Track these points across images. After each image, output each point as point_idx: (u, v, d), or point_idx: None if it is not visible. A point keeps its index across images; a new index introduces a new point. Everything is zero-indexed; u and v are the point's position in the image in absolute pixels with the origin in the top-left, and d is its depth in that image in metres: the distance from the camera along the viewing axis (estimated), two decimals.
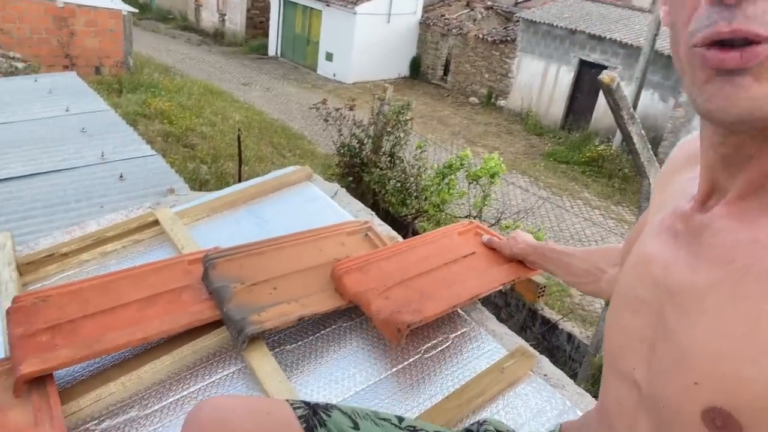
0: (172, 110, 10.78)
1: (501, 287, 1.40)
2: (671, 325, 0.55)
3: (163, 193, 3.14)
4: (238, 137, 6.31)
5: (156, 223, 1.68)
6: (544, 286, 5.39)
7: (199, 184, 8.05)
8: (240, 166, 6.54)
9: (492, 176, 5.69)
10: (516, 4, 18.75)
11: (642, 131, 3.62)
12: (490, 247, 1.50)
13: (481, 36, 15.56)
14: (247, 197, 1.84)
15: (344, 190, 1.95)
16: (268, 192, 1.88)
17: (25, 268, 1.49)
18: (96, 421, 1.12)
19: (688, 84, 0.51)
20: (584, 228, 9.26)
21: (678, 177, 0.69)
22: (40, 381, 1.10)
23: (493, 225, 6.27)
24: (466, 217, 6.45)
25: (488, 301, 5.42)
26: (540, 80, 14.23)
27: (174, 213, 1.71)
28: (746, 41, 0.45)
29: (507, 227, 6.01)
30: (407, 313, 1.21)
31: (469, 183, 6.07)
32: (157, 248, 1.63)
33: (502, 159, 6.16)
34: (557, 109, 13.97)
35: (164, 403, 1.17)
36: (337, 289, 1.33)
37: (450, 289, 1.33)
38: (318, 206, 1.83)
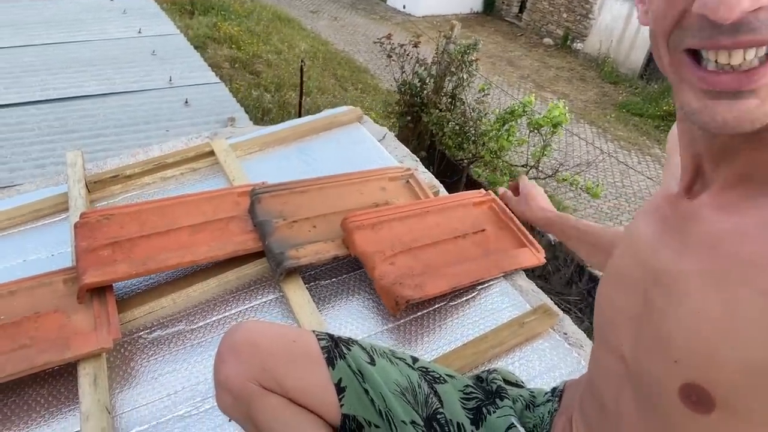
0: (240, 35, 10.86)
1: (502, 275, 1.41)
2: (656, 306, 0.57)
3: (223, 121, 3.26)
4: (301, 68, 6.33)
5: (212, 153, 1.78)
6: None
7: (261, 112, 8.22)
8: (301, 98, 6.60)
9: (555, 126, 5.51)
10: None
11: None
12: (502, 223, 1.49)
13: None
14: (297, 135, 1.90)
15: (392, 134, 1.97)
16: (318, 131, 1.93)
17: (93, 186, 1.63)
18: (148, 331, 1.26)
19: (675, 86, 0.51)
20: (648, 187, 8.87)
21: (672, 160, 0.70)
22: (100, 290, 1.24)
23: (550, 176, 6.12)
24: (522, 166, 6.32)
25: None
26: (623, 24, 13.27)
27: (229, 145, 1.80)
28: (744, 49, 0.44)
29: (564, 180, 5.86)
30: (409, 287, 1.25)
31: (530, 131, 5.91)
32: (211, 177, 1.73)
33: (570, 107, 5.92)
34: (638, 56, 13.08)
35: (208, 321, 1.30)
36: (345, 241, 1.36)
37: (454, 267, 1.34)
38: (365, 148, 1.87)
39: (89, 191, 1.62)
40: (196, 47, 8.81)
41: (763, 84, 0.44)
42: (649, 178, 9.16)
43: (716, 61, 0.45)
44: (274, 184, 1.53)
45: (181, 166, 1.74)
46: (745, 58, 0.44)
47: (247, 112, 7.41)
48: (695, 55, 0.47)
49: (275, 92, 9.14)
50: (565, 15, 14.68)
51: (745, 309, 0.48)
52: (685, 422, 0.53)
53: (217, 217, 1.44)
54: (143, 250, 1.32)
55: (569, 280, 5.54)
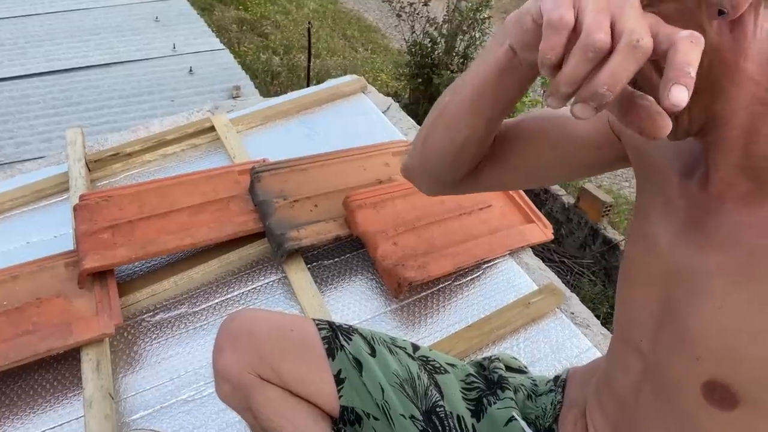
0: None
1: (507, 253, 1.37)
2: (678, 303, 0.55)
3: (228, 90, 3.20)
4: (309, 31, 6.18)
5: (212, 129, 1.74)
6: (610, 205, 5.21)
7: (271, 75, 8.09)
8: (309, 62, 6.48)
9: None
10: None
11: None
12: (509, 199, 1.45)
13: None
14: (300, 107, 1.85)
15: (397, 105, 1.92)
16: (321, 103, 1.88)
17: (94, 165, 1.61)
18: (150, 314, 1.26)
19: None
20: None
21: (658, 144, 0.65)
22: (101, 275, 1.23)
23: None
24: None
25: (550, 216, 5.33)
26: None
27: (229, 120, 1.76)
28: None
29: None
30: (411, 268, 1.22)
31: (544, 91, 5.75)
32: (213, 154, 1.70)
33: None
34: None
35: (211, 303, 1.29)
36: (347, 220, 1.34)
37: (458, 246, 1.31)
38: (368, 121, 1.82)
39: (90, 170, 1.61)
40: (202, 9, 8.66)
41: None
42: None
43: None
44: (274, 162, 1.50)
45: (181, 143, 1.71)
46: None
47: (256, 77, 7.32)
48: None
49: (284, 55, 8.97)
50: None
51: None
52: (708, 419, 0.53)
53: (218, 197, 1.41)
54: (143, 232, 1.31)
55: (582, 243, 5.48)
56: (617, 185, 7.06)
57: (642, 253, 0.63)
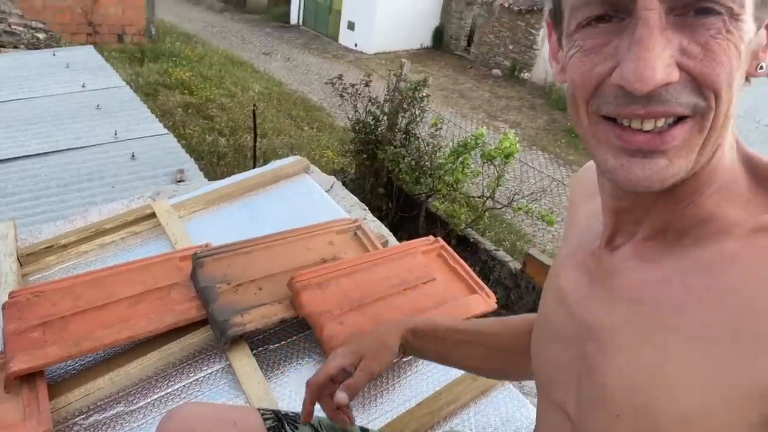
0: (192, 80, 10.81)
1: None
2: (592, 361, 0.57)
3: (172, 174, 3.19)
4: (254, 112, 6.32)
5: (153, 215, 1.72)
6: None
7: (217, 157, 8.13)
8: (255, 142, 6.57)
9: (506, 157, 5.63)
10: None
11: None
12: (452, 271, 1.49)
13: (507, 5, 15.14)
14: (243, 190, 1.87)
15: (340, 183, 1.96)
16: (264, 185, 1.90)
17: (26, 259, 1.55)
18: (84, 416, 1.18)
19: (592, 146, 0.52)
20: None
21: (579, 210, 0.71)
22: (31, 376, 1.16)
23: (506, 206, 6.22)
24: (479, 197, 6.41)
25: (499, 283, 5.44)
26: None
27: (171, 205, 1.75)
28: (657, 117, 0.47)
29: (519, 209, 5.96)
30: None
31: (484, 162, 6.01)
32: (153, 241, 1.67)
33: (522, 135, 6.08)
34: None
35: (149, 400, 1.23)
36: (292, 302, 1.33)
37: None
38: (312, 200, 1.85)
39: (21, 264, 1.54)
40: (146, 95, 8.73)
41: (673, 146, 0.47)
42: None
43: (630, 126, 0.48)
44: (217, 246, 1.49)
45: (120, 231, 1.68)
46: (656, 125, 0.47)
47: (201, 159, 7.33)
48: (611, 118, 0.50)
49: (230, 136, 9.08)
50: (511, 47, 15.22)
51: (676, 357, 0.49)
52: None
53: (158, 286, 1.38)
54: (77, 328, 1.25)
55: (532, 308, 5.57)
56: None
57: (556, 312, 0.66)
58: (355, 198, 1.88)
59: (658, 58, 0.44)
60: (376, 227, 1.73)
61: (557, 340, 0.64)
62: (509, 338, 0.86)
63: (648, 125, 0.47)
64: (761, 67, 0.48)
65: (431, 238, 1.62)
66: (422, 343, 0.90)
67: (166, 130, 3.78)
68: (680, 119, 0.46)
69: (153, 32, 12.60)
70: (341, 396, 0.78)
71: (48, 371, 1.21)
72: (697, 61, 0.45)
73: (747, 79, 0.49)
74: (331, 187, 1.92)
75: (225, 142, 8.69)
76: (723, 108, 0.46)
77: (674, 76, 0.44)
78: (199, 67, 11.79)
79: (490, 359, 0.89)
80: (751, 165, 0.54)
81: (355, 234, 1.61)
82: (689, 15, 0.44)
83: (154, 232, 1.70)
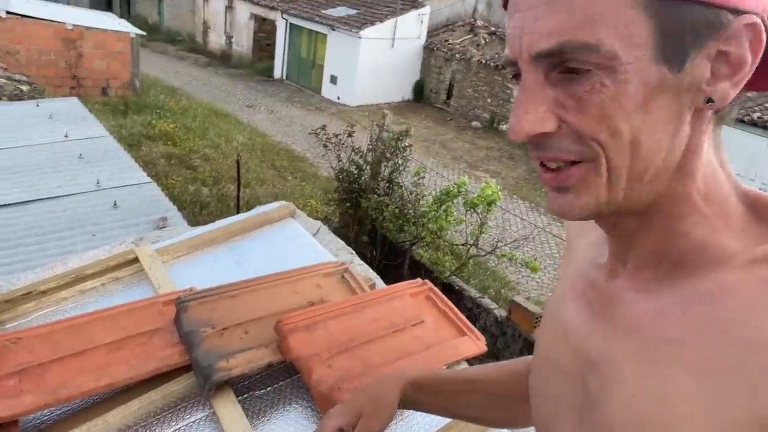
0: (176, 132, 10.89)
1: (444, 367, 1.37)
2: (594, 395, 0.56)
3: (154, 222, 3.16)
4: (237, 162, 6.36)
5: (136, 260, 1.69)
6: (540, 316, 5.34)
7: (200, 206, 8.10)
8: (239, 191, 6.58)
9: (489, 204, 5.70)
10: None
11: None
12: (441, 313, 1.49)
13: (483, 61, 15.72)
14: (227, 235, 1.85)
15: (326, 227, 1.96)
16: (249, 229, 1.89)
17: (3, 306, 1.50)
18: None
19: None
20: None
21: (577, 243, 0.72)
22: (5, 426, 1.10)
23: (489, 253, 6.25)
24: (463, 245, 6.44)
25: (485, 331, 5.39)
26: None
27: (154, 250, 1.72)
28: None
29: (503, 256, 6.00)
30: (348, 391, 1.19)
31: (467, 210, 6.08)
32: (136, 287, 1.64)
33: (502, 184, 6.18)
34: None
35: None
36: (279, 346, 1.30)
37: (394, 364, 1.30)
38: (298, 244, 1.84)
39: None
40: (129, 145, 8.74)
41: (573, 183, 0.51)
42: None
43: (546, 165, 0.53)
44: (202, 290, 1.46)
45: (101, 277, 1.65)
46: (558, 165, 0.52)
47: (183, 208, 7.30)
48: None
49: (213, 186, 9.08)
50: (489, 100, 15.70)
51: (677, 389, 0.48)
52: None
53: (139, 331, 1.34)
54: (55, 375, 1.20)
55: (519, 355, 5.49)
56: (544, 296, 7.31)
57: (554, 344, 0.65)
58: (342, 242, 1.88)
59: (527, 113, 0.49)
60: (363, 271, 1.72)
61: (558, 374, 0.63)
62: (511, 383, 0.84)
63: (552, 165, 0.52)
64: (710, 100, 0.48)
65: (419, 280, 1.61)
66: (422, 396, 0.87)
67: (149, 179, 3.78)
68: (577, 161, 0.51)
69: (137, 85, 12.76)
70: None
71: (23, 421, 1.15)
72: (572, 113, 0.48)
73: (719, 112, 0.51)
74: (317, 231, 1.92)
75: (208, 192, 8.69)
76: (618, 152, 0.48)
77: (547, 127, 0.49)
78: (182, 119, 11.91)
79: (493, 407, 0.87)
80: (745, 197, 0.54)
81: (343, 277, 1.60)
82: (565, 73, 0.48)
83: (136, 277, 1.67)
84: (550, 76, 0.49)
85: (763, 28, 0.47)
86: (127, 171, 3.74)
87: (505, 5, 0.54)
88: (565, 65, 0.47)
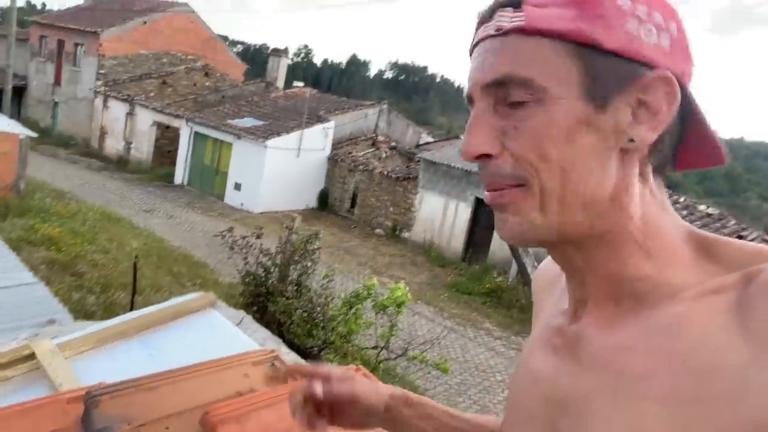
0: (61, 236, 10.11)
1: None
2: None
3: (42, 324, 2.83)
4: (134, 265, 5.98)
5: (32, 356, 1.49)
6: None
7: (83, 315, 7.38)
8: (133, 296, 6.12)
9: (398, 306, 5.74)
10: (417, 146, 20.40)
11: (535, 263, 3.88)
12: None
13: (385, 173, 16.58)
14: (140, 327, 1.70)
15: (250, 317, 1.87)
16: (165, 321, 1.75)
17: None
18: None
19: None
20: (488, 358, 9.37)
21: (543, 299, 0.75)
22: None
23: (401, 355, 6.19)
24: (373, 348, 6.33)
25: None
26: (441, 215, 15.12)
27: (55, 345, 1.54)
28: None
29: (415, 358, 5.95)
30: None
31: (376, 313, 6.06)
32: (31, 387, 1.43)
33: (407, 289, 6.26)
34: (457, 242, 14.76)
35: None
36: None
37: None
38: (221, 335, 1.72)
39: None
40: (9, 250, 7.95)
41: (504, 201, 0.57)
42: (489, 349, 9.72)
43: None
44: (115, 383, 1.31)
45: None
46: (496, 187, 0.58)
47: (70, 313, 6.60)
48: None
49: (101, 293, 8.37)
50: (391, 209, 16.36)
51: (650, 422, 0.49)
52: None
53: None
54: None
55: None
56: (452, 401, 7.25)
57: (523, 394, 0.65)
58: (267, 331, 1.79)
59: (475, 137, 0.56)
60: (293, 359, 1.63)
61: (530, 421, 0.63)
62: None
63: (495, 187, 0.58)
64: (631, 140, 0.55)
65: (353, 366, 1.56)
66: (412, 415, 0.84)
67: (36, 279, 3.44)
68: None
69: (21, 188, 11.90)
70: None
71: None
72: (511, 139, 0.55)
73: (651, 158, 0.56)
74: (241, 321, 1.82)
75: (94, 299, 7.97)
76: (549, 176, 0.54)
77: (491, 149, 0.56)
78: (70, 223, 11.13)
79: None
80: (690, 236, 0.57)
81: (273, 365, 1.51)
82: (509, 105, 0.55)
83: (31, 376, 1.46)
84: (497, 109, 0.56)
85: (675, 83, 0.54)
86: (11, 271, 3.39)
87: (470, 53, 0.61)
88: (508, 100, 0.55)
